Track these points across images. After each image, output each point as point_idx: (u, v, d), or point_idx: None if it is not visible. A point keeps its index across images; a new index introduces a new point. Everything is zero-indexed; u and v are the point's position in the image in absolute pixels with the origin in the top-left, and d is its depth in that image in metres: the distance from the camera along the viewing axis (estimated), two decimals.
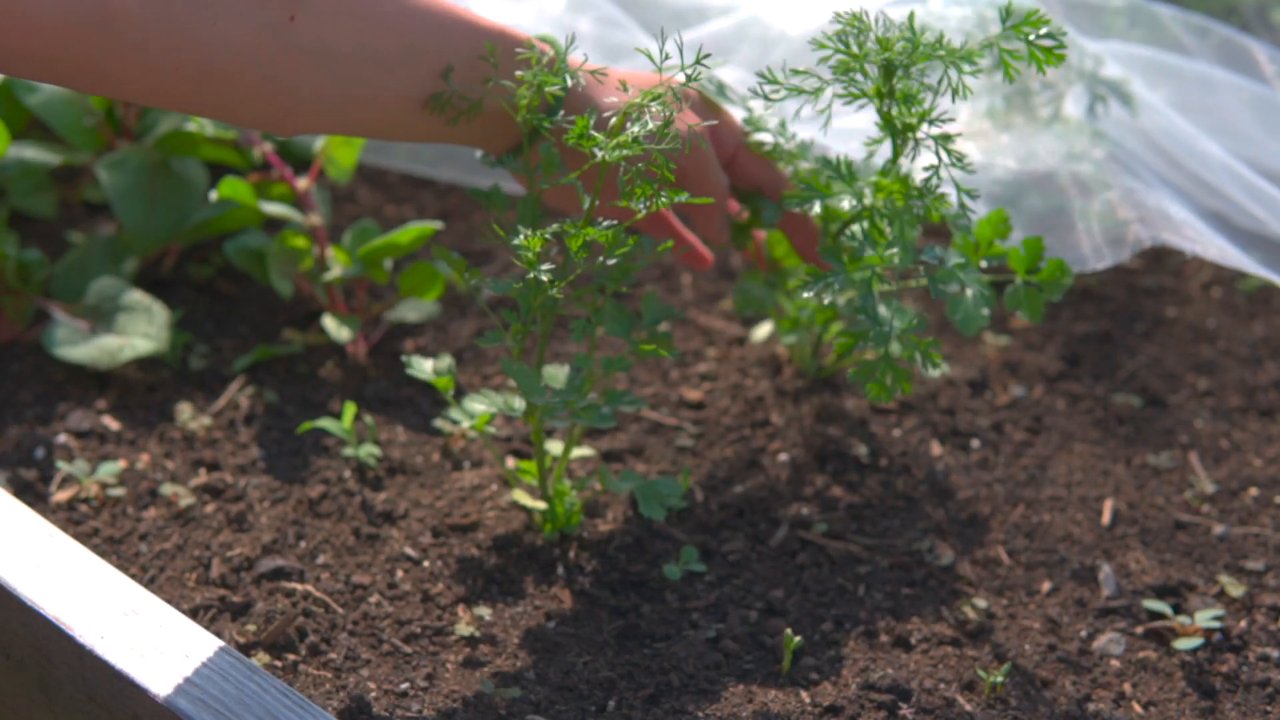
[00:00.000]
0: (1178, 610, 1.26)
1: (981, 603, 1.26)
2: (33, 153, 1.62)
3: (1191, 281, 1.69)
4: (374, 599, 1.23)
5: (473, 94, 1.18)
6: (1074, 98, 1.57)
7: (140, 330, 1.44)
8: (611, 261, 1.14)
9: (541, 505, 1.29)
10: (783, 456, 1.40)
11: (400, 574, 1.26)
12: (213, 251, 1.62)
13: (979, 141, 1.55)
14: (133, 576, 1.22)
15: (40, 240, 1.63)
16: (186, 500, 1.32)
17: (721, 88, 1.34)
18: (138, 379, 1.45)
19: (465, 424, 1.31)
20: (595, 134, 1.13)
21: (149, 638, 1.09)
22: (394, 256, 1.46)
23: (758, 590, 1.26)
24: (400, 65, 1.15)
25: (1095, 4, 1.71)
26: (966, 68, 1.19)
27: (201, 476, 1.35)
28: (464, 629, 1.21)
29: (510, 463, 1.38)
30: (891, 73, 1.20)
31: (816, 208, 1.26)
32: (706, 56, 1.13)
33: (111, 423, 1.40)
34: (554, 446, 1.32)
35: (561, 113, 1.21)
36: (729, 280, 1.63)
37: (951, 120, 1.23)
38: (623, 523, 1.32)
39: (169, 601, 1.19)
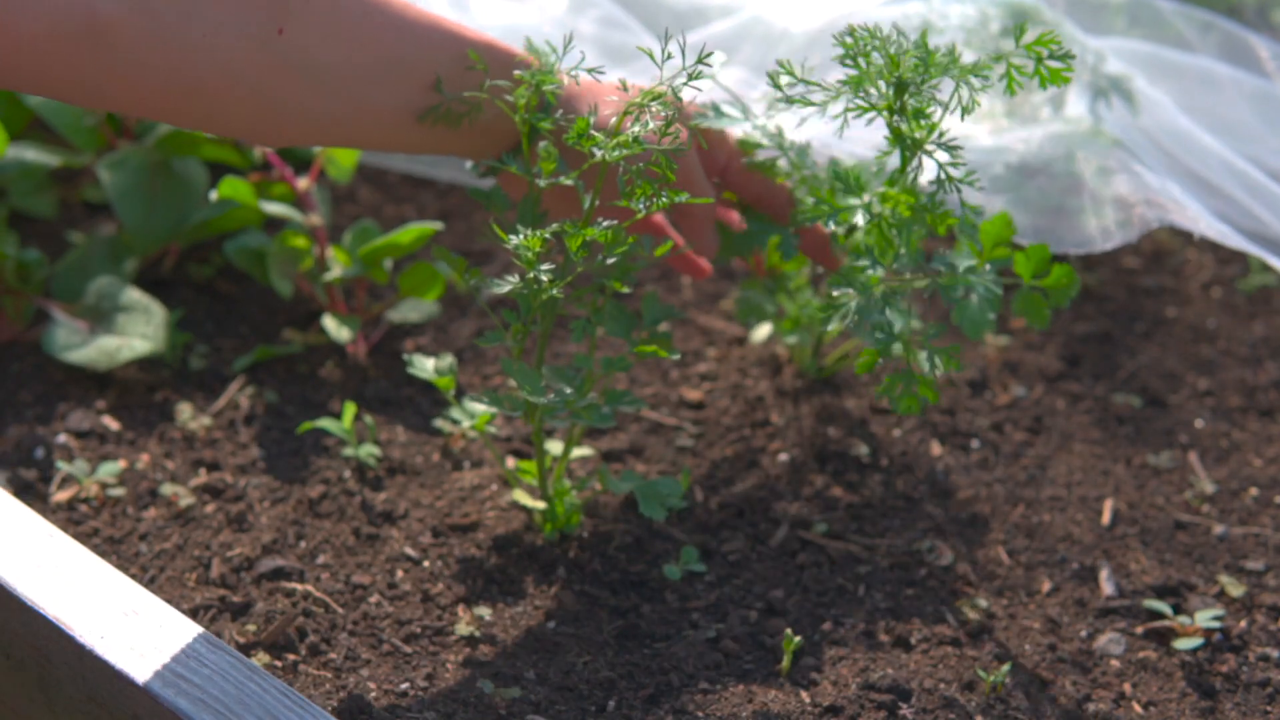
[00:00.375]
0: (1178, 610, 1.26)
1: (981, 603, 1.26)
2: (33, 153, 1.62)
3: (1191, 281, 1.69)
4: (374, 599, 1.23)
5: (462, 106, 1.18)
6: (1076, 95, 1.57)
7: (139, 331, 1.44)
8: (611, 260, 1.14)
9: (541, 505, 1.29)
10: (783, 456, 1.40)
11: (400, 574, 1.26)
12: (213, 251, 1.62)
13: (987, 123, 1.54)
14: (133, 576, 1.22)
15: (40, 240, 1.63)
16: (186, 500, 1.32)
17: (718, 108, 1.33)
18: (138, 379, 1.45)
19: (466, 424, 1.31)
20: (595, 134, 1.14)
21: (149, 638, 1.09)
22: (394, 256, 1.46)
23: (758, 590, 1.26)
24: (389, 78, 1.16)
25: (1097, 1, 1.71)
26: (976, 82, 1.19)
27: (201, 476, 1.35)
28: (464, 629, 1.21)
29: (510, 463, 1.38)
30: (903, 90, 1.20)
31: (832, 225, 1.25)
32: (709, 55, 1.13)
33: (111, 423, 1.40)
34: (554, 446, 1.32)
35: (559, 113, 1.21)
36: (729, 280, 1.63)
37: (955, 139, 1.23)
38: (623, 523, 1.32)
39: (169, 601, 1.19)
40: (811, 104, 1.22)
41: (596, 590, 1.25)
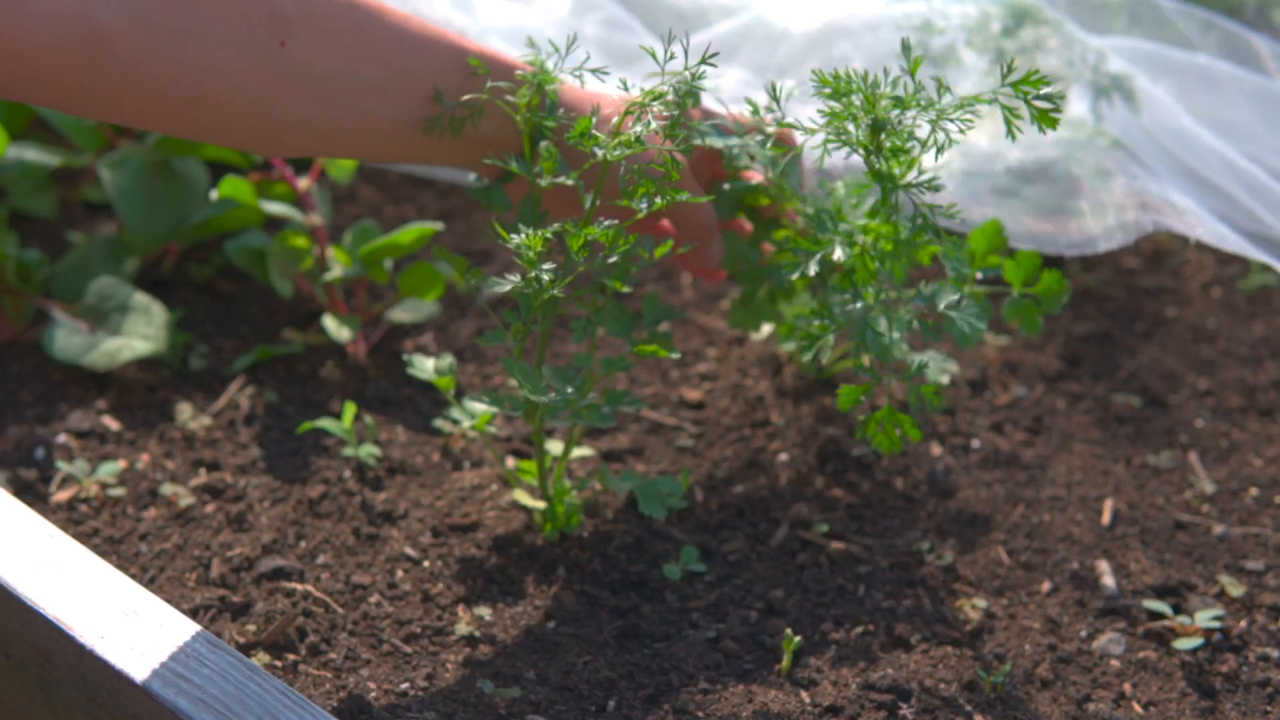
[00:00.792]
0: (1178, 610, 1.26)
1: (981, 603, 1.26)
2: (34, 153, 1.62)
3: (1191, 281, 1.69)
4: (374, 599, 1.23)
5: (463, 111, 1.18)
6: (1078, 94, 1.57)
7: (139, 331, 1.44)
8: (612, 260, 1.14)
9: (541, 505, 1.29)
10: (783, 456, 1.40)
11: (400, 574, 1.26)
12: (213, 251, 1.62)
13: (988, 125, 1.55)
14: (133, 576, 1.22)
15: (40, 240, 1.63)
16: (186, 500, 1.32)
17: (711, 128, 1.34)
18: (137, 379, 1.45)
19: (466, 424, 1.31)
20: (597, 133, 1.14)
21: (149, 638, 1.09)
22: (394, 256, 1.46)
23: (758, 590, 1.26)
24: (389, 90, 1.16)
25: (1098, 1, 1.71)
26: (952, 128, 1.18)
27: (201, 476, 1.35)
28: (464, 629, 1.21)
29: (510, 463, 1.38)
30: (879, 130, 1.19)
31: (813, 268, 1.24)
32: (714, 56, 1.13)
33: (111, 423, 1.40)
34: (554, 446, 1.32)
35: (560, 112, 1.21)
36: (730, 280, 1.63)
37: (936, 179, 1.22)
38: (623, 523, 1.32)
39: (169, 601, 1.19)
40: (797, 126, 1.21)
41: (596, 590, 1.25)
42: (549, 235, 1.14)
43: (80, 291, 1.51)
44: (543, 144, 1.19)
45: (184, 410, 1.42)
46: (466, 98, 1.18)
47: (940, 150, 1.17)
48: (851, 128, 1.19)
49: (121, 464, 1.35)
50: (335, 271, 1.49)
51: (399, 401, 1.45)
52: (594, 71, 1.18)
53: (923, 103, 1.16)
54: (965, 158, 1.50)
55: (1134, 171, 1.51)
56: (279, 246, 1.52)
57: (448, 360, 1.29)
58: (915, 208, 1.21)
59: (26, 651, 1.14)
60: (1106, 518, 1.36)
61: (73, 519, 1.30)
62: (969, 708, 1.16)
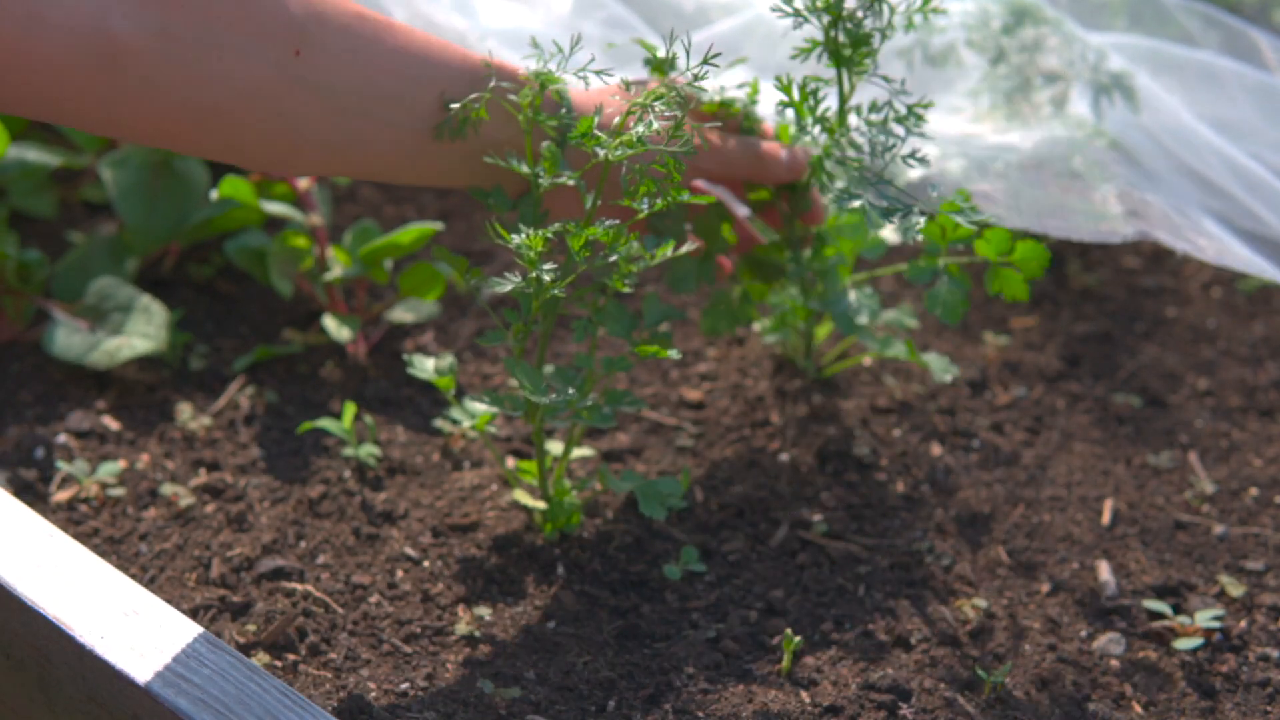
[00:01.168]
0: (1178, 610, 1.26)
1: (981, 603, 1.26)
2: (34, 153, 1.62)
3: (1191, 281, 1.69)
4: (374, 599, 1.23)
5: (471, 115, 1.19)
6: (1079, 92, 1.57)
7: (139, 330, 1.44)
8: (613, 260, 1.15)
9: (542, 505, 1.29)
10: (783, 456, 1.40)
11: (400, 574, 1.26)
12: (213, 251, 1.62)
13: (988, 123, 1.55)
14: (133, 576, 1.22)
15: (40, 240, 1.63)
16: (186, 500, 1.32)
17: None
18: (138, 379, 1.45)
19: (466, 424, 1.31)
20: (598, 133, 1.14)
21: (149, 638, 1.09)
22: (395, 256, 1.46)
23: (758, 590, 1.26)
24: (402, 101, 1.16)
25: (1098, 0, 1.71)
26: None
27: (201, 476, 1.35)
28: (464, 629, 1.21)
29: (510, 463, 1.38)
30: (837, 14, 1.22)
31: (789, 115, 1.29)
32: (717, 55, 1.13)
33: (111, 423, 1.40)
34: (554, 446, 1.32)
35: (562, 111, 1.21)
36: (730, 280, 1.63)
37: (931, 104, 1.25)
38: (623, 523, 1.32)
39: (169, 601, 1.19)
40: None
41: (596, 590, 1.25)
42: (550, 235, 1.14)
43: (80, 291, 1.51)
44: (544, 144, 1.19)
45: (184, 410, 1.42)
46: (473, 96, 1.18)
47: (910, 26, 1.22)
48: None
49: (121, 464, 1.35)
50: (335, 271, 1.49)
51: (399, 401, 1.45)
52: (598, 73, 1.18)
53: None
54: (964, 157, 1.50)
55: (1131, 178, 1.51)
56: (279, 246, 1.52)
57: (448, 360, 1.29)
58: (889, 103, 1.24)
59: (26, 651, 1.14)
60: (1106, 518, 1.36)
61: (73, 519, 1.30)
62: (969, 708, 1.16)
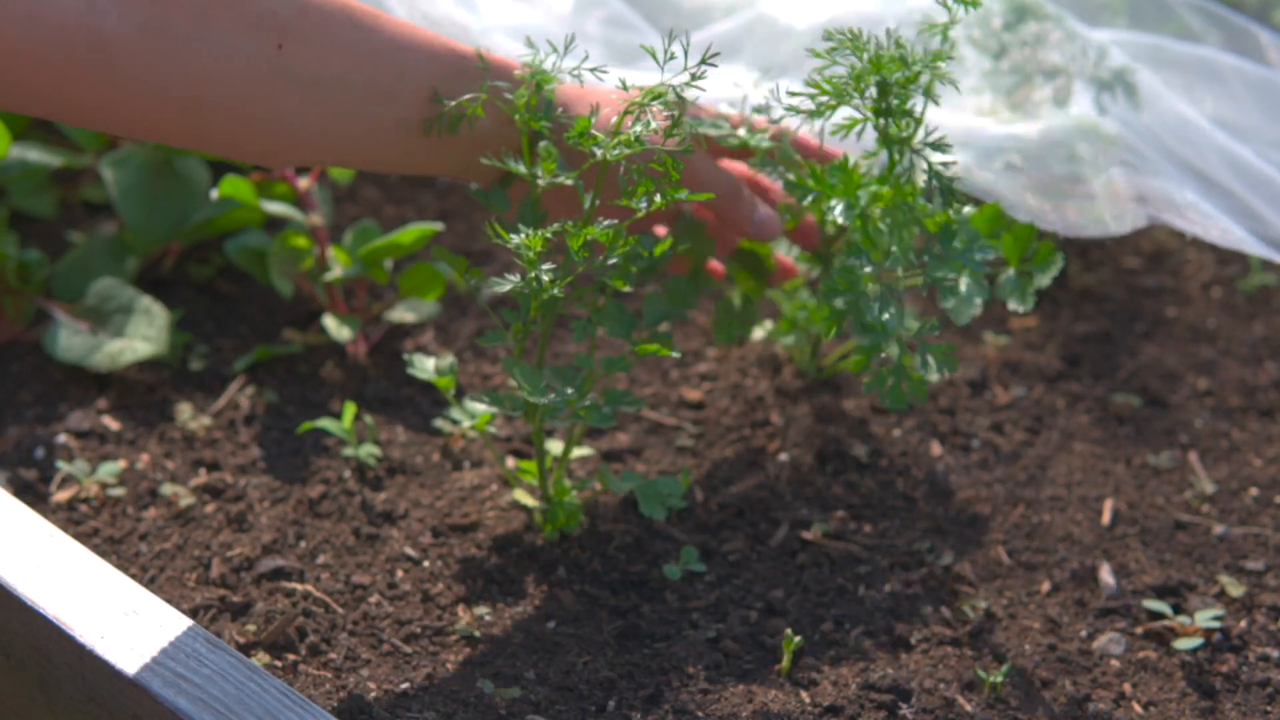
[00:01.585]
0: (1178, 610, 1.26)
1: (981, 603, 1.26)
2: (35, 154, 1.62)
3: (1191, 281, 1.69)
4: (374, 599, 1.23)
5: (462, 110, 1.19)
6: (1081, 89, 1.57)
7: (141, 332, 1.44)
8: (612, 260, 1.15)
9: (542, 505, 1.29)
10: (783, 456, 1.40)
11: (400, 574, 1.26)
12: (213, 251, 1.62)
13: (991, 118, 1.55)
14: (133, 576, 1.22)
15: (40, 240, 1.63)
16: (186, 500, 1.32)
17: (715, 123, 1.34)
18: (138, 379, 1.45)
19: (466, 424, 1.31)
20: (596, 133, 1.14)
21: (149, 638, 1.09)
22: (395, 257, 1.46)
23: (758, 590, 1.26)
24: (391, 94, 1.16)
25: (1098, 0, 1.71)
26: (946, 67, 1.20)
27: (201, 476, 1.35)
28: (464, 629, 1.21)
29: (510, 463, 1.38)
30: (887, 91, 1.20)
31: (807, 201, 1.26)
32: (716, 55, 1.13)
33: (111, 423, 1.40)
34: (554, 446, 1.32)
35: (559, 110, 1.21)
36: (730, 280, 1.63)
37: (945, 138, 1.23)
38: (623, 523, 1.32)
39: (169, 601, 1.19)
40: (800, 111, 1.22)
41: (596, 590, 1.25)
42: (549, 235, 1.14)
43: (81, 291, 1.51)
44: (542, 144, 1.19)
45: (184, 410, 1.42)
46: (467, 97, 1.18)
47: (932, 97, 1.21)
48: (857, 98, 1.20)
49: (121, 464, 1.35)
50: (335, 271, 1.49)
51: (399, 401, 1.45)
52: (593, 70, 1.18)
53: (924, 58, 1.20)
54: (965, 148, 1.50)
55: (1132, 164, 1.50)
56: (279, 246, 1.52)
57: (448, 360, 1.29)
58: (929, 168, 1.21)
59: (26, 651, 1.14)
60: (1106, 518, 1.36)
61: (73, 519, 1.30)
62: (969, 708, 1.16)
